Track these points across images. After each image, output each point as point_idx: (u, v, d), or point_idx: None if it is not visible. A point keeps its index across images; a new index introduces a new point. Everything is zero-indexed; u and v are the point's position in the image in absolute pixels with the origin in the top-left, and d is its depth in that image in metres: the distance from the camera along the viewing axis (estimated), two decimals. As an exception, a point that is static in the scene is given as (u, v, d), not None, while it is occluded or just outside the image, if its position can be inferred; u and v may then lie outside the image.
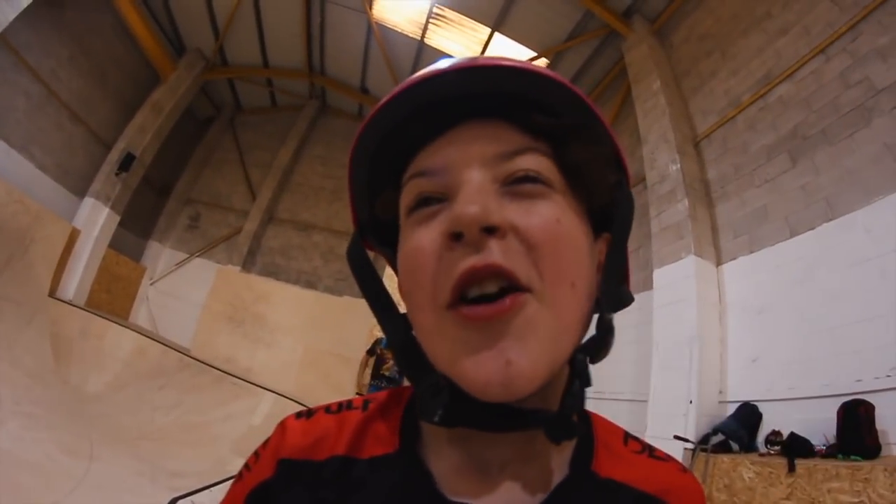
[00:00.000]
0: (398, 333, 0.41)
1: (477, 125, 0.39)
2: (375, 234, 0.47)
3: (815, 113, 4.49)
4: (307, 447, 0.43)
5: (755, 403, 4.09)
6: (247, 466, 0.46)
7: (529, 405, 0.37)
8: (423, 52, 9.52)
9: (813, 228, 4.20)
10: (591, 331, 0.42)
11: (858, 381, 3.38)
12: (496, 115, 0.39)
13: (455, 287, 0.35)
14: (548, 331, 0.35)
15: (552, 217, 0.37)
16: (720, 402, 4.44)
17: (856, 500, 2.76)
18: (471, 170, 0.38)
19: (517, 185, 0.38)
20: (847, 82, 4.25)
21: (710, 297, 4.87)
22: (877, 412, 3.16)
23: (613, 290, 0.42)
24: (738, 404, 4.21)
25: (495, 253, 0.34)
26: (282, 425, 0.46)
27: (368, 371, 5.34)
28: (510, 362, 0.33)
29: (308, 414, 0.46)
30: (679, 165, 5.56)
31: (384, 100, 0.40)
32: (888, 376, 3.22)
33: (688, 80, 6.53)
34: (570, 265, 0.37)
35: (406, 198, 0.41)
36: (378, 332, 5.96)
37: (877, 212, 3.67)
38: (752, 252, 4.79)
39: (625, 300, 0.43)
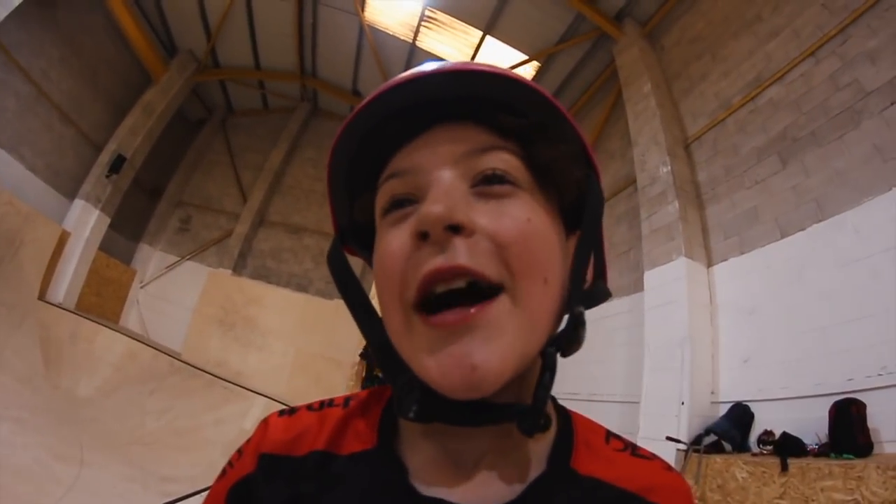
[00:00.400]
0: (375, 335, 0.42)
1: (448, 127, 0.41)
2: (356, 238, 0.48)
3: (805, 115, 4.53)
4: (288, 442, 0.44)
5: (747, 403, 4.11)
6: (230, 463, 0.46)
7: (503, 399, 0.38)
8: (414, 54, 9.53)
9: (803, 229, 4.23)
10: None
11: (850, 380, 3.40)
12: (467, 118, 0.41)
13: (420, 287, 0.36)
14: (517, 329, 0.36)
15: (522, 216, 0.38)
16: (712, 402, 4.45)
17: (849, 498, 2.77)
18: (440, 170, 0.39)
19: (487, 186, 0.39)
20: (837, 85, 4.29)
21: (701, 299, 4.89)
22: (868, 410, 3.18)
23: (582, 284, 0.42)
24: (730, 405, 4.22)
25: (461, 253, 0.35)
26: (264, 422, 0.47)
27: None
28: (475, 367, 0.34)
29: (291, 411, 0.47)
30: (669, 167, 5.59)
31: (359, 106, 0.41)
32: (879, 375, 3.25)
33: (678, 82, 6.58)
34: (542, 262, 0.38)
35: (380, 200, 0.42)
36: None
37: (866, 212, 3.71)
38: (742, 253, 4.82)
39: (599, 295, 0.44)
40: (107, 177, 8.30)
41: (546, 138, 0.41)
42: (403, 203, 0.40)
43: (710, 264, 5.15)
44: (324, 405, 0.48)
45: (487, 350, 0.34)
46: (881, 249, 3.51)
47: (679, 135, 6.15)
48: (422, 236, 0.36)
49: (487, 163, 0.39)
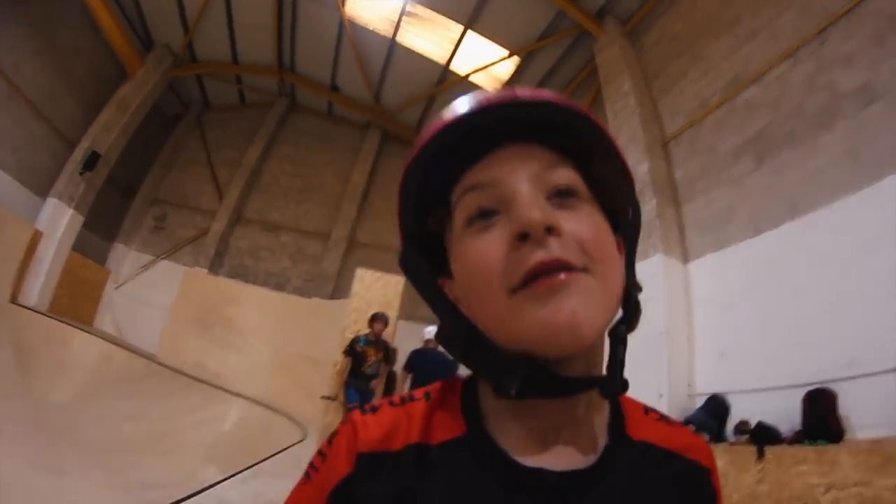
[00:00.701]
0: (461, 328, 0.47)
1: (516, 147, 0.46)
2: (420, 246, 0.52)
3: (781, 116, 4.63)
4: (382, 439, 0.47)
5: (723, 395, 4.23)
6: (314, 467, 0.48)
7: (579, 373, 0.45)
8: (394, 50, 9.51)
9: (777, 227, 4.36)
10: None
11: (821, 371, 3.56)
12: (529, 139, 0.47)
13: (526, 276, 0.41)
14: (600, 297, 0.43)
15: (592, 222, 0.45)
16: (689, 395, 4.58)
17: (824, 481, 2.91)
18: (520, 183, 0.45)
19: (560, 199, 0.45)
20: (813, 87, 4.39)
21: (678, 294, 5.01)
22: (840, 400, 3.35)
23: (634, 275, 0.50)
24: (707, 397, 4.34)
25: (556, 249, 0.41)
26: (350, 422, 0.48)
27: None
28: (575, 311, 0.40)
29: (373, 409, 0.50)
30: (648, 165, 5.69)
31: (434, 130, 0.46)
32: (850, 366, 3.41)
33: (658, 81, 6.65)
34: (613, 255, 0.46)
35: (464, 211, 0.47)
36: (350, 334, 5.93)
37: (838, 211, 3.84)
38: (718, 250, 4.94)
39: (638, 287, 0.51)
40: (80, 174, 8.11)
41: (599, 157, 0.49)
42: (487, 214, 0.45)
43: (686, 260, 5.28)
44: (405, 400, 0.51)
45: (583, 303, 0.41)
46: (853, 247, 3.63)
47: (657, 133, 6.23)
48: (522, 237, 0.42)
49: (559, 179, 0.46)
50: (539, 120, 0.46)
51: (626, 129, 6.30)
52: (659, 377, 4.55)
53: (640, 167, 5.73)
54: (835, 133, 4.07)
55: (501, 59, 9.00)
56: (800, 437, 3.36)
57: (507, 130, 0.46)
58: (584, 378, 0.45)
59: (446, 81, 9.96)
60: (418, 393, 0.52)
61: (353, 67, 9.95)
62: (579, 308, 0.40)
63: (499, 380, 0.44)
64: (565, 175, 0.46)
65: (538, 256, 0.41)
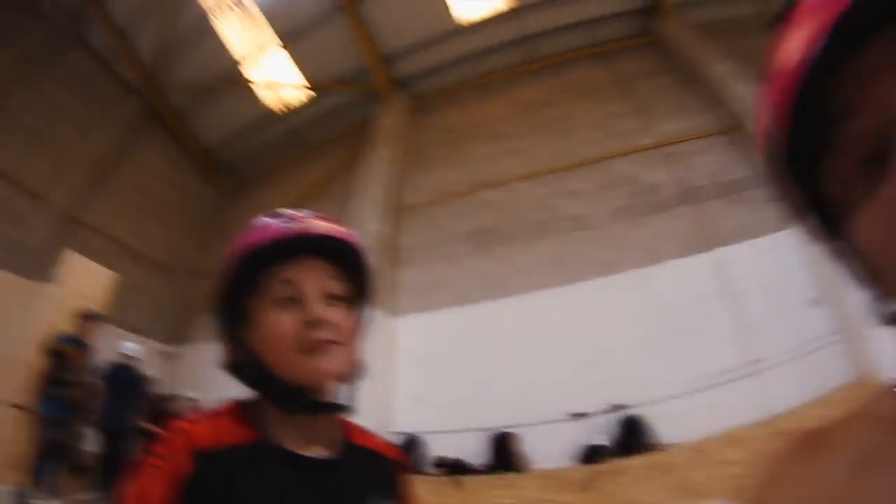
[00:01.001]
0: (254, 365, 0.73)
1: (312, 260, 0.75)
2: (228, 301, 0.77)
3: (508, 219, 5.88)
4: (211, 441, 0.68)
5: (419, 434, 5.01)
6: (153, 464, 0.67)
7: (326, 400, 0.74)
8: (204, 29, 8.62)
9: (478, 302, 5.48)
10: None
11: (507, 417, 4.60)
12: (321, 254, 0.76)
13: (313, 346, 0.70)
14: (346, 358, 0.74)
15: (347, 316, 0.75)
16: (387, 432, 5.10)
17: (515, 500, 3.85)
18: (311, 288, 0.73)
19: (332, 300, 0.74)
20: (541, 206, 5.76)
21: (383, 344, 5.67)
22: (522, 439, 4.43)
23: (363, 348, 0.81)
24: (404, 435, 5.04)
25: (326, 332, 0.70)
26: (183, 429, 0.69)
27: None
28: (335, 364, 0.71)
29: (196, 420, 0.73)
30: (378, 226, 6.37)
31: (270, 239, 0.73)
32: (529, 414, 4.53)
33: (416, 157, 7.55)
34: (355, 335, 0.77)
35: (272, 293, 0.73)
36: (50, 328, 4.85)
37: (531, 300, 5.10)
38: (425, 311, 5.87)
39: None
40: None
41: (359, 275, 0.79)
42: (288, 299, 0.72)
43: (395, 315, 6.02)
44: (217, 414, 0.73)
45: (338, 361, 0.71)
46: (540, 327, 4.89)
47: (397, 201, 7.00)
48: (310, 324, 0.70)
49: (333, 288, 0.75)
50: (333, 248, 0.76)
51: (371, 188, 6.90)
52: (360, 413, 5.12)
53: (371, 225, 6.29)
54: (545, 242, 5.44)
55: (295, 87, 9.16)
56: (489, 470, 4.32)
57: (310, 246, 0.75)
58: (333, 403, 0.73)
59: (234, 81, 9.32)
60: (221, 409, 0.74)
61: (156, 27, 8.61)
62: (335, 363, 0.69)
63: (284, 403, 0.71)
64: (337, 286, 0.75)
65: (317, 335, 0.69)
